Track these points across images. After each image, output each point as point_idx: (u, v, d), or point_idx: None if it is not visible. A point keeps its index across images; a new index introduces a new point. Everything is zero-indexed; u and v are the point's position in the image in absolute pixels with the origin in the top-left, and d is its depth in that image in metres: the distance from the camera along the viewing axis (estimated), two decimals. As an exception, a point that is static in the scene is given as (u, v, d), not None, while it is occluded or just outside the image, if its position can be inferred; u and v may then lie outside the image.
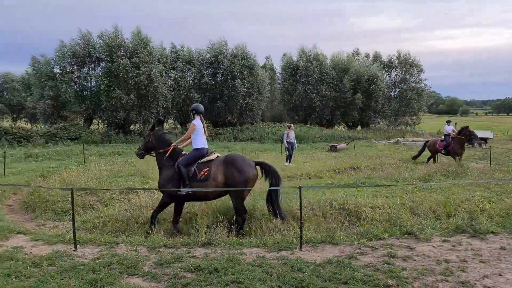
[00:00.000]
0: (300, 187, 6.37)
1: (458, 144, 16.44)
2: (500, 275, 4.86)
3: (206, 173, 7.00)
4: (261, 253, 5.77)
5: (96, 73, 29.84)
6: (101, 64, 29.32)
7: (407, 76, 43.54)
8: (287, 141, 16.69)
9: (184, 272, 5.06)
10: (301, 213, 6.30)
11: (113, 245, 6.27)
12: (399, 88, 44.11)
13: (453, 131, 17.28)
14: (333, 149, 23.08)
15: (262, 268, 5.13)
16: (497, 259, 5.39)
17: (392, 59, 44.33)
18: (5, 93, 47.12)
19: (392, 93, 44.16)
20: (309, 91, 37.33)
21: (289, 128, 17.25)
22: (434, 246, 5.97)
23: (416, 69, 43.73)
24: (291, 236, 6.48)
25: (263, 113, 39.63)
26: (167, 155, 7.43)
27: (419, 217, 7.48)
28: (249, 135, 30.99)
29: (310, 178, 13.73)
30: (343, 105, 38.70)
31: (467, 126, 16.92)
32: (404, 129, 40.98)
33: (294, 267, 5.12)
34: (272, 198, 7.24)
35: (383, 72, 42.33)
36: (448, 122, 18.16)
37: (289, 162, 16.36)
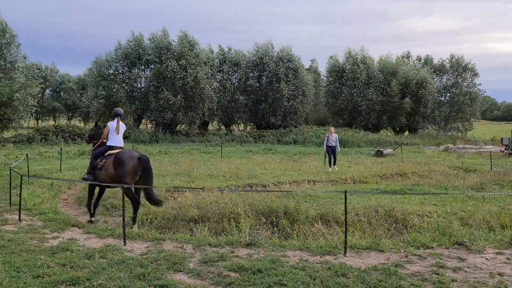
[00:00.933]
0: (345, 192, 6.28)
1: None
2: (561, 293, 4.56)
3: (102, 164, 7.92)
4: (304, 257, 5.74)
5: (146, 74, 30.96)
6: (151, 65, 30.39)
7: (459, 80, 41.70)
8: (327, 145, 16.27)
9: (228, 271, 5.14)
10: (345, 218, 6.21)
11: (160, 241, 6.47)
12: (450, 93, 42.33)
13: None
14: (379, 154, 22.51)
15: (305, 271, 5.11)
16: (557, 276, 5.05)
17: (444, 63, 42.65)
18: (62, 93, 49.87)
19: (442, 98, 42.45)
20: (355, 95, 36.67)
21: (330, 131, 16.81)
22: (487, 258, 5.69)
23: (470, 73, 41.80)
24: (335, 241, 6.41)
25: (307, 116, 39.39)
26: (94, 147, 8.69)
27: (471, 228, 7.16)
28: (292, 138, 30.90)
29: (354, 183, 13.50)
30: (390, 110, 37.67)
31: None
32: (455, 135, 39.24)
33: (338, 272, 5.06)
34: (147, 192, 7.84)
35: (434, 76, 40.77)
36: None
37: (333, 166, 16.02)
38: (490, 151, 21.29)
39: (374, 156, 22.35)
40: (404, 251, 5.98)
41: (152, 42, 30.09)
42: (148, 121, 32.76)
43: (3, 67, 22.83)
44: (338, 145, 16.65)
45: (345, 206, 6.24)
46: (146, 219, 8.25)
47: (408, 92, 37.54)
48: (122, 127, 8.36)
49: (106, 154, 8.04)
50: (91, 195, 8.45)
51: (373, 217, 7.94)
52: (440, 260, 5.56)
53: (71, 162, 16.88)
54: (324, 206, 8.70)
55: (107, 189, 9.07)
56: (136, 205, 7.78)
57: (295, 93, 33.78)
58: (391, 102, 37.12)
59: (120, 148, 8.16)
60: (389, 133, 39.39)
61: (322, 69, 46.77)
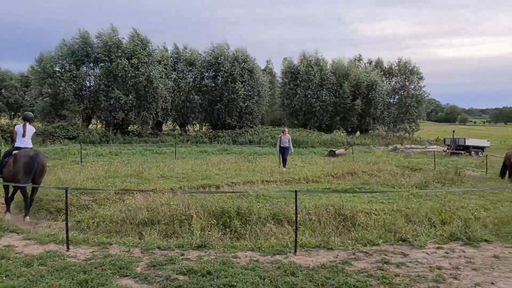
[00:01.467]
0: (296, 192, 6.35)
1: None
2: (493, 283, 4.85)
3: (6, 162, 8.59)
4: (255, 257, 5.74)
5: (95, 72, 29.86)
6: (100, 64, 29.33)
7: (407, 83, 43.65)
8: (280, 146, 16.20)
9: (177, 274, 5.04)
10: (296, 217, 6.28)
11: (107, 245, 6.24)
12: (398, 95, 44.20)
13: None
14: (332, 154, 23.08)
15: (255, 271, 5.10)
16: (490, 268, 5.38)
17: (393, 66, 44.47)
18: (3, 91, 47.00)
19: (391, 100, 44.23)
20: (309, 96, 37.36)
21: (283, 132, 16.73)
22: (427, 253, 5.96)
23: (416, 76, 43.85)
24: (286, 241, 6.46)
25: (262, 117, 39.66)
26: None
27: (414, 224, 7.47)
28: (248, 139, 30.97)
29: (307, 182, 13.72)
30: (342, 111, 38.74)
31: None
32: (402, 136, 41.02)
33: (287, 271, 5.10)
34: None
35: (383, 78, 42.40)
36: None
37: (284, 166, 16.01)
38: (434, 151, 22.45)
39: (327, 156, 22.87)
40: (352, 249, 6.14)
41: (100, 40, 29.04)
42: (98, 121, 31.58)
43: None
44: (291, 146, 16.65)
45: (296, 206, 6.31)
46: (93, 223, 7.93)
47: (359, 94, 38.77)
48: (30, 130, 9.00)
49: (13, 153, 8.62)
50: (6, 192, 8.86)
51: (324, 216, 8.09)
52: (385, 256, 5.76)
53: (13, 164, 15.91)
54: (277, 206, 8.76)
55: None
56: (29, 202, 8.46)
57: (250, 93, 33.89)
58: (344, 104, 38.19)
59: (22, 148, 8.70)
60: (341, 134, 40.49)
61: (277, 70, 47.33)
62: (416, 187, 11.95)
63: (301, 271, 5.14)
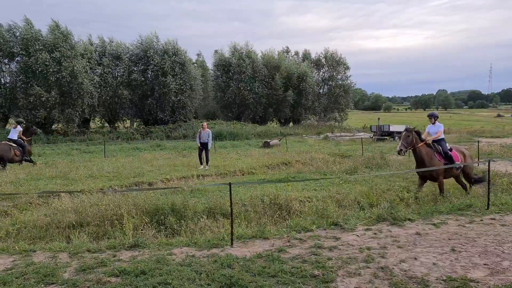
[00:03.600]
0: (230, 184, 6.34)
1: None
2: (415, 258, 5.21)
3: None
4: (191, 252, 5.66)
5: (11, 68, 27.51)
6: (16, 58, 27.06)
7: (335, 74, 45.47)
8: (200, 142, 15.02)
9: (108, 276, 4.80)
10: (231, 209, 6.27)
11: (29, 253, 5.79)
12: (327, 85, 45.93)
13: None
14: (266, 145, 23.43)
15: (191, 267, 5.02)
16: (413, 244, 5.77)
17: (321, 57, 46.02)
18: None
19: (321, 90, 45.86)
20: (242, 88, 37.55)
21: (202, 127, 15.45)
22: (357, 235, 6.26)
23: (343, 67, 45.81)
24: (222, 233, 6.44)
25: (196, 111, 39.20)
26: None
27: (345, 208, 7.80)
28: (182, 133, 30.43)
29: (243, 174, 13.80)
30: (275, 102, 39.46)
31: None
32: (333, 124, 42.78)
33: (224, 264, 5.08)
34: None
35: (313, 70, 43.78)
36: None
37: (204, 163, 14.82)
38: (362, 138, 23.64)
39: (261, 147, 23.18)
40: (287, 236, 6.27)
41: (12, 33, 26.73)
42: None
43: None
44: (211, 141, 15.55)
45: (230, 198, 6.29)
46: (13, 230, 7.32)
47: (290, 85, 39.71)
48: None
49: None
50: None
51: (259, 206, 8.18)
52: (318, 241, 5.95)
53: None
54: (212, 200, 8.71)
55: None
56: None
57: (183, 87, 33.26)
58: (276, 95, 38.90)
59: None
60: (275, 125, 41.29)
61: (209, 63, 46.95)
62: (346, 173, 12.49)
63: (237, 262, 5.15)
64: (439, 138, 9.58)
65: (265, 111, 39.71)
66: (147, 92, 32.74)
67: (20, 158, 14.55)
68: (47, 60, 25.34)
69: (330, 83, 45.53)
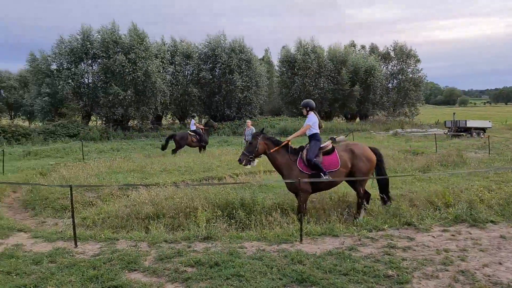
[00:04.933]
0: (299, 180, 6.36)
1: None
2: (500, 263, 4.88)
3: None
4: (262, 246, 5.77)
5: (93, 69, 29.74)
6: (98, 60, 29.21)
7: (404, 67, 43.47)
8: (245, 139, 15.35)
9: (185, 266, 5.07)
10: (299, 206, 6.29)
11: (113, 241, 6.27)
12: (397, 79, 44.06)
13: None
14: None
15: (262, 261, 5.13)
16: (497, 248, 5.41)
17: (389, 50, 44.25)
18: (1, 91, 46.89)
19: (390, 85, 44.12)
20: (307, 84, 37.26)
21: (247, 125, 16.01)
22: (433, 236, 5.99)
23: (413, 60, 43.66)
24: (291, 229, 6.49)
25: (261, 107, 39.60)
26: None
27: (419, 208, 7.48)
28: (248, 129, 30.90)
29: (309, 171, 13.71)
30: (341, 98, 38.66)
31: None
32: (402, 120, 41.00)
33: (294, 260, 5.13)
34: None
35: (380, 63, 42.24)
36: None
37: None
38: (435, 134, 22.42)
39: (327, 143, 22.86)
40: (358, 235, 6.16)
41: (100, 35, 28.88)
42: (98, 118, 31.55)
43: None
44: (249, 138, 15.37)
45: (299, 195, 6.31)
46: (99, 219, 7.96)
47: (357, 80, 38.65)
48: None
49: None
50: None
51: (327, 203, 8.11)
52: (391, 241, 5.78)
53: (15, 163, 15.95)
54: (280, 196, 8.79)
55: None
56: None
57: (248, 84, 33.81)
58: (342, 90, 38.09)
59: None
60: (341, 121, 40.47)
61: (275, 59, 47.14)
62: (419, 171, 11.95)
63: (308, 258, 5.17)
64: (310, 136, 7.55)
65: (331, 107, 39.07)
66: (214, 90, 33.71)
67: (197, 144, 18.18)
68: (124, 61, 27.05)
69: (400, 76, 43.60)
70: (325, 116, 38.47)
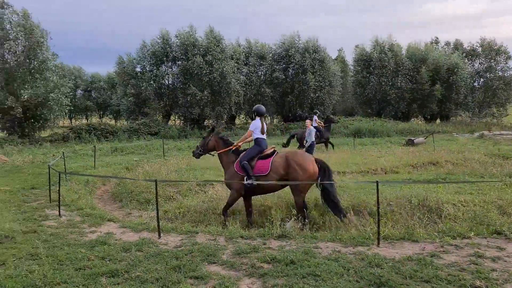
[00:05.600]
0: (377, 182, 6.20)
1: None
2: None
3: None
4: (337, 248, 5.72)
5: (173, 71, 31.36)
6: (177, 62, 30.74)
7: (493, 64, 40.09)
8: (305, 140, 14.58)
9: (261, 262, 5.19)
10: (378, 208, 6.14)
11: (193, 234, 6.60)
12: (483, 78, 40.79)
13: None
14: (410, 143, 22.05)
15: (338, 262, 5.09)
16: None
17: (475, 47, 41.11)
18: (92, 92, 51.26)
19: (475, 83, 40.98)
20: (383, 83, 35.92)
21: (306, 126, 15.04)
22: (527, 248, 5.50)
23: (503, 56, 40.11)
24: (367, 232, 6.34)
25: (334, 107, 38.94)
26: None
27: (510, 217, 6.92)
28: (320, 130, 30.60)
29: (385, 173, 13.28)
30: (420, 97, 36.69)
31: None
32: (489, 121, 37.85)
33: (372, 263, 5.02)
34: None
35: (465, 61, 39.38)
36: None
37: None
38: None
39: (404, 145, 21.90)
40: (440, 241, 5.86)
41: (178, 39, 30.41)
42: (177, 117, 33.23)
43: (36, 67, 23.58)
44: (311, 139, 14.38)
45: (377, 196, 6.15)
46: (179, 213, 8.42)
47: (438, 79, 36.43)
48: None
49: None
50: None
51: (406, 207, 7.81)
52: (478, 250, 5.42)
53: (104, 159, 17.36)
54: (355, 197, 8.63)
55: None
56: None
57: (321, 84, 33.45)
58: (421, 90, 36.16)
59: None
60: (419, 122, 38.41)
61: (349, 58, 46.12)
62: (509, 177, 11.01)
63: (386, 263, 5.03)
64: (254, 140, 7.76)
65: (409, 107, 37.23)
66: (287, 90, 33.81)
67: (318, 140, 17.48)
68: (201, 63, 28.20)
69: (488, 75, 40.29)
70: (402, 116, 36.79)
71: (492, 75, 39.79)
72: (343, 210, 7.49)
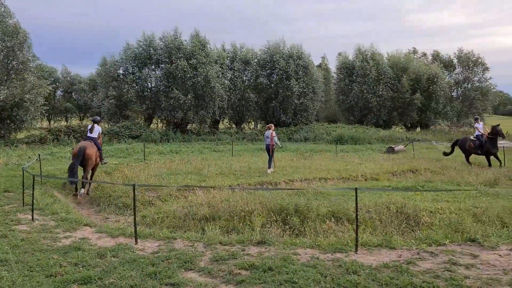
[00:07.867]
0: (356, 189, 6.24)
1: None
2: None
3: None
4: (315, 254, 5.72)
5: (156, 74, 31.11)
6: (161, 65, 30.52)
7: (470, 75, 41.14)
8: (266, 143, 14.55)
9: (239, 269, 5.15)
10: (356, 215, 6.17)
11: (171, 240, 6.50)
12: (461, 88, 41.81)
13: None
14: (390, 150, 22.35)
15: (316, 269, 5.09)
16: None
17: (452, 58, 42.17)
18: (73, 94, 50.37)
19: (454, 94, 41.94)
20: (365, 91, 36.42)
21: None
22: (500, 255, 5.60)
23: (481, 67, 41.23)
24: (346, 239, 6.37)
25: (317, 114, 39.25)
26: None
27: (484, 224, 7.05)
28: (303, 136, 30.81)
29: (366, 180, 13.41)
30: (401, 106, 37.35)
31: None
32: (467, 130, 38.75)
33: (349, 270, 5.03)
34: None
35: (444, 71, 40.29)
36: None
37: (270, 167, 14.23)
38: (503, 147, 20.97)
39: (385, 153, 22.18)
40: (416, 248, 5.92)
41: (162, 42, 30.22)
42: (159, 121, 32.93)
43: (15, 67, 23.06)
44: (277, 141, 14.90)
45: (356, 203, 6.19)
46: (158, 218, 8.30)
47: (418, 88, 37.18)
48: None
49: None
50: None
51: (385, 214, 7.88)
52: (453, 257, 5.49)
53: (83, 162, 17.01)
54: (335, 204, 8.67)
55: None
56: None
57: (305, 90, 33.68)
58: (402, 98, 36.81)
59: None
60: (400, 130, 39.05)
61: (332, 66, 46.63)
62: (484, 185, 11.25)
63: (363, 270, 5.05)
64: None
65: (389, 115, 37.83)
66: (271, 95, 33.92)
67: (475, 151, 16.30)
68: (185, 66, 28.06)
69: (465, 85, 41.32)
70: (383, 124, 37.32)
71: (470, 86, 40.84)
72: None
